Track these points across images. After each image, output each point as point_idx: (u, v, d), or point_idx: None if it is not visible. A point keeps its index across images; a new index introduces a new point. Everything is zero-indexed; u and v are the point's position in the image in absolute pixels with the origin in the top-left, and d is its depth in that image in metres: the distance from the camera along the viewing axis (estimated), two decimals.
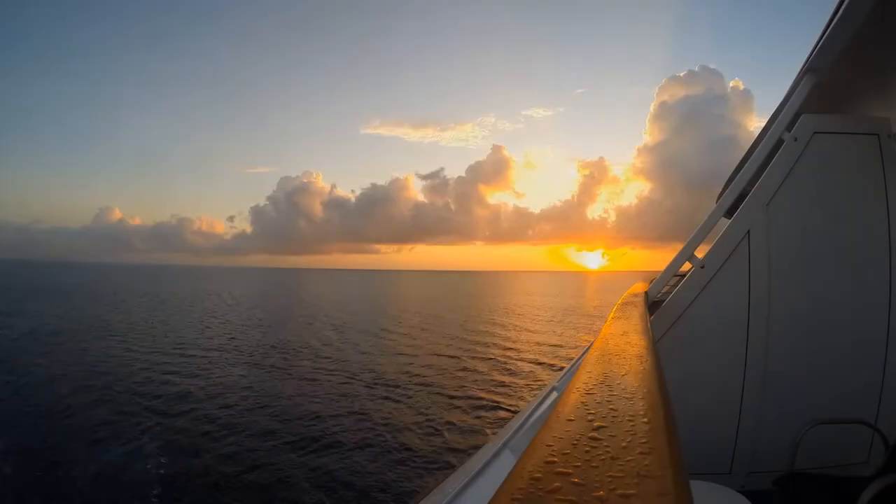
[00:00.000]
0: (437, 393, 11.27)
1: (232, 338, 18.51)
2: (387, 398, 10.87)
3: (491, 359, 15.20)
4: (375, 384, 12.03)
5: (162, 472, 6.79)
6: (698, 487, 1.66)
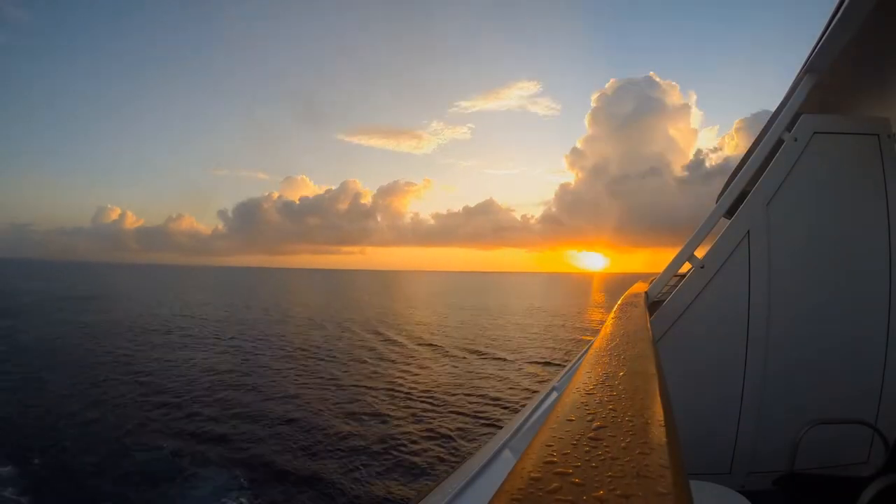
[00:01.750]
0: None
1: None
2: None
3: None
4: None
5: None
6: (698, 487, 1.66)
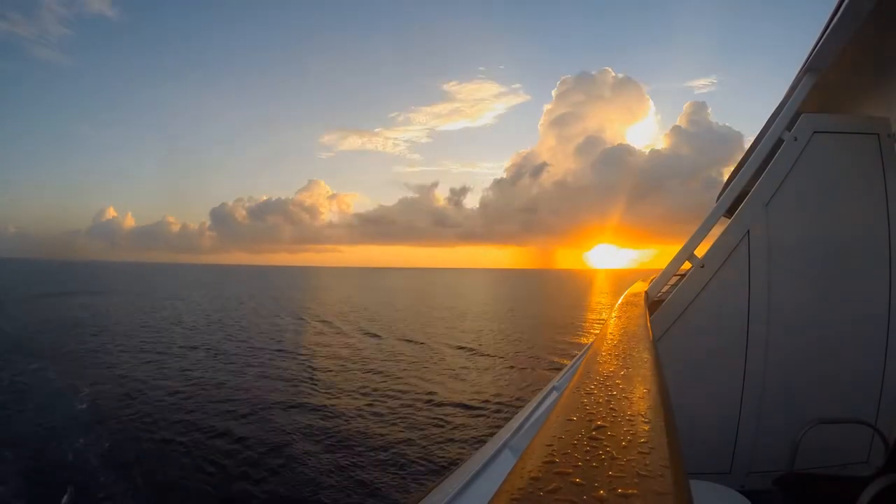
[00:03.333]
0: None
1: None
2: None
3: None
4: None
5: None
6: (698, 487, 1.66)
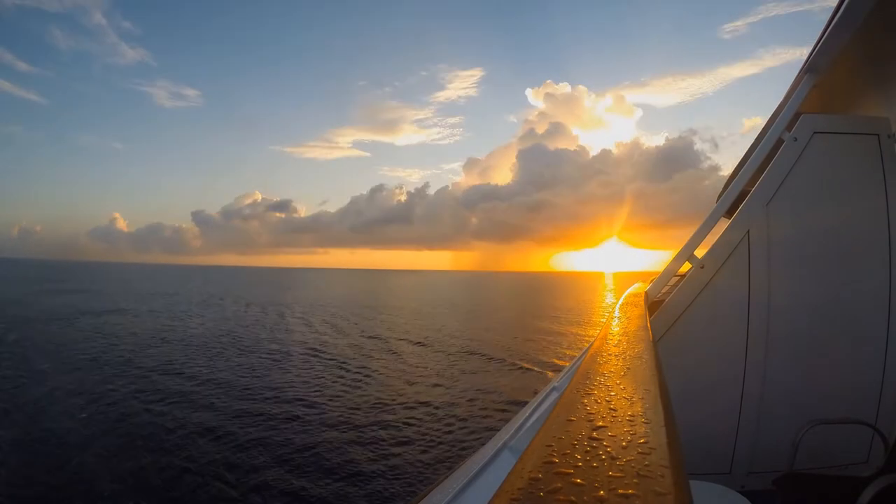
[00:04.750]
0: None
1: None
2: None
3: None
4: None
5: None
6: (698, 487, 1.66)
